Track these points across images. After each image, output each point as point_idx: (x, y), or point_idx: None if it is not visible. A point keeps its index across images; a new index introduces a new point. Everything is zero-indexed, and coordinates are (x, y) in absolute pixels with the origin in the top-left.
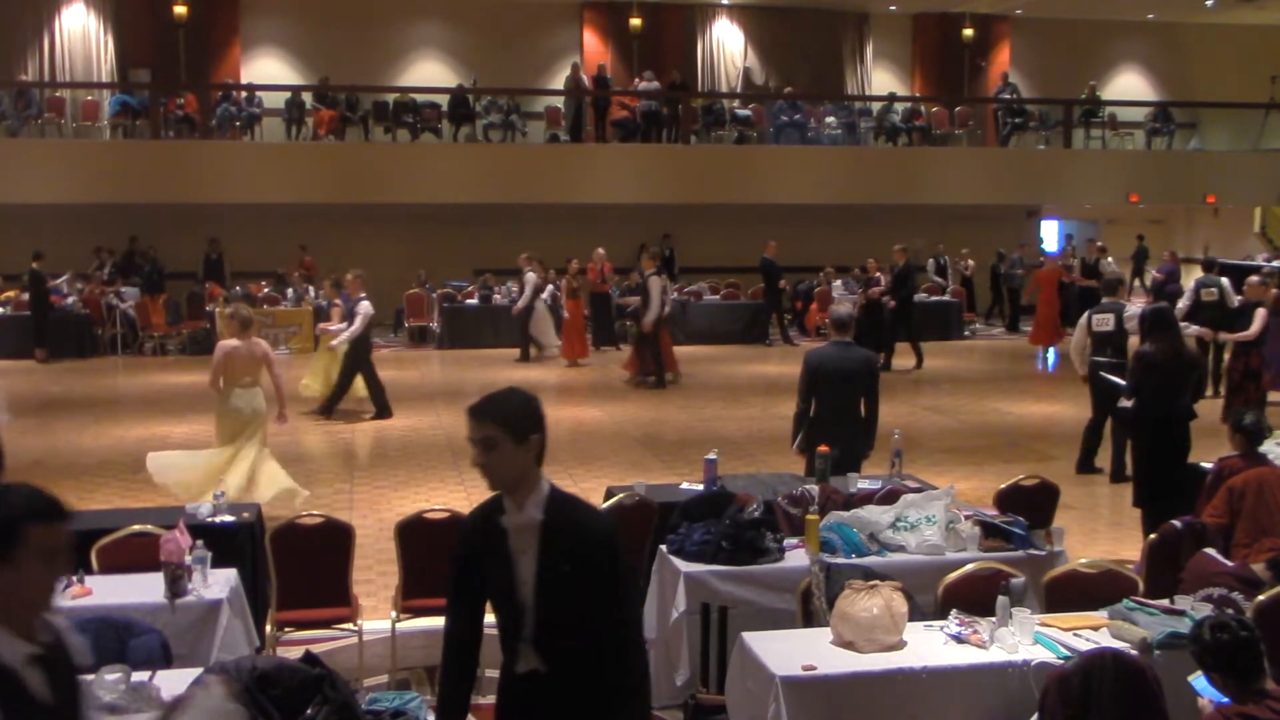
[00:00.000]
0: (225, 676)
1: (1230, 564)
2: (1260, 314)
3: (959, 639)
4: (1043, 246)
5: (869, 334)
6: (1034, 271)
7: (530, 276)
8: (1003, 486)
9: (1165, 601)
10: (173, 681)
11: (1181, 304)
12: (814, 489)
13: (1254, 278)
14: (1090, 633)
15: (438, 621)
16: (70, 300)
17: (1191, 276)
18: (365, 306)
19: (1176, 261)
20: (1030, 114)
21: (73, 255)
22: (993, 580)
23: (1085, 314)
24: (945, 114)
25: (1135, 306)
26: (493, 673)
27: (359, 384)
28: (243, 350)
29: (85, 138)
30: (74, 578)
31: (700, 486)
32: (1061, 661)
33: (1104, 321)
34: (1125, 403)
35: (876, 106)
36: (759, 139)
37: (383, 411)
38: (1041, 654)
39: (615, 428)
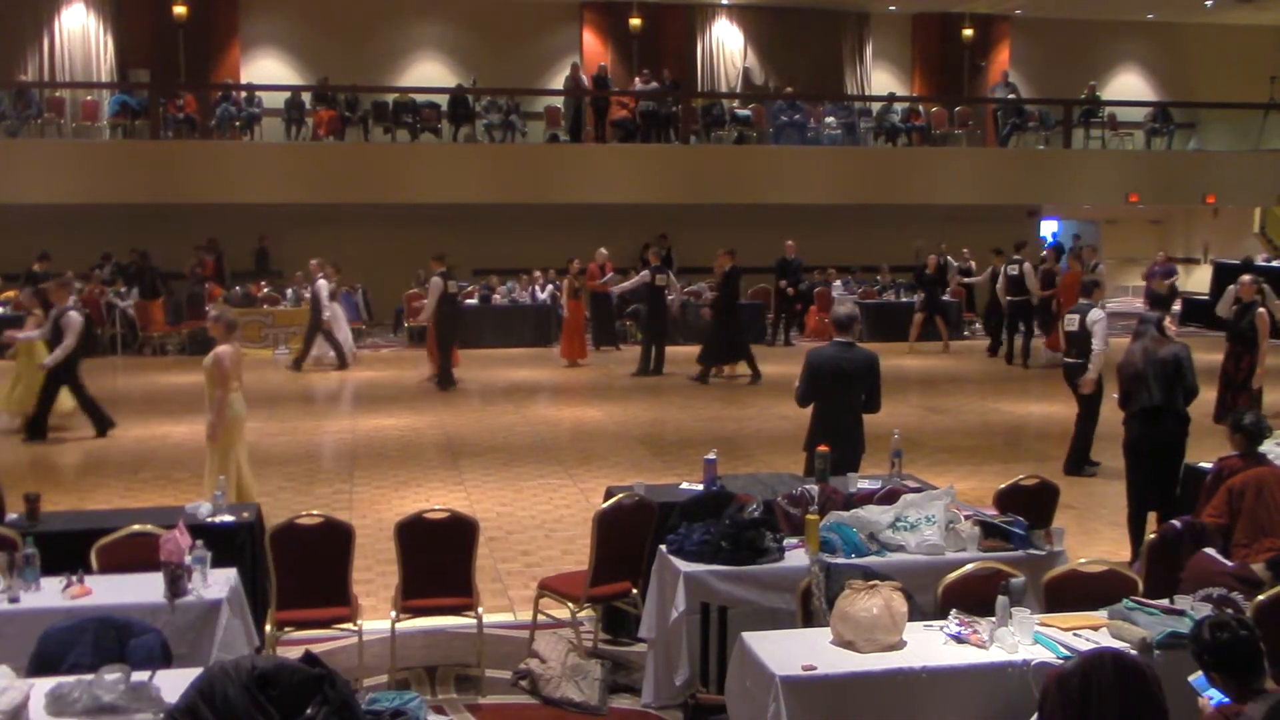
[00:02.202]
0: None
1: (1230, 564)
2: (1263, 314)
3: (959, 639)
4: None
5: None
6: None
7: (321, 284)
8: (1003, 486)
9: (1165, 601)
10: (173, 681)
11: (1222, 310)
12: (814, 489)
13: (1245, 277)
14: (1090, 633)
15: (438, 622)
16: (70, 300)
17: (1193, 277)
18: (73, 318)
19: (1169, 263)
20: (1030, 114)
21: (73, 255)
22: (992, 580)
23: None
24: (945, 114)
25: (1099, 310)
26: (493, 672)
27: (65, 399)
28: (235, 354)
29: (85, 138)
30: (74, 577)
31: (700, 486)
32: (1061, 661)
33: (1071, 322)
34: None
35: (876, 106)
36: (759, 139)
37: (102, 426)
38: (1041, 654)
39: (615, 428)
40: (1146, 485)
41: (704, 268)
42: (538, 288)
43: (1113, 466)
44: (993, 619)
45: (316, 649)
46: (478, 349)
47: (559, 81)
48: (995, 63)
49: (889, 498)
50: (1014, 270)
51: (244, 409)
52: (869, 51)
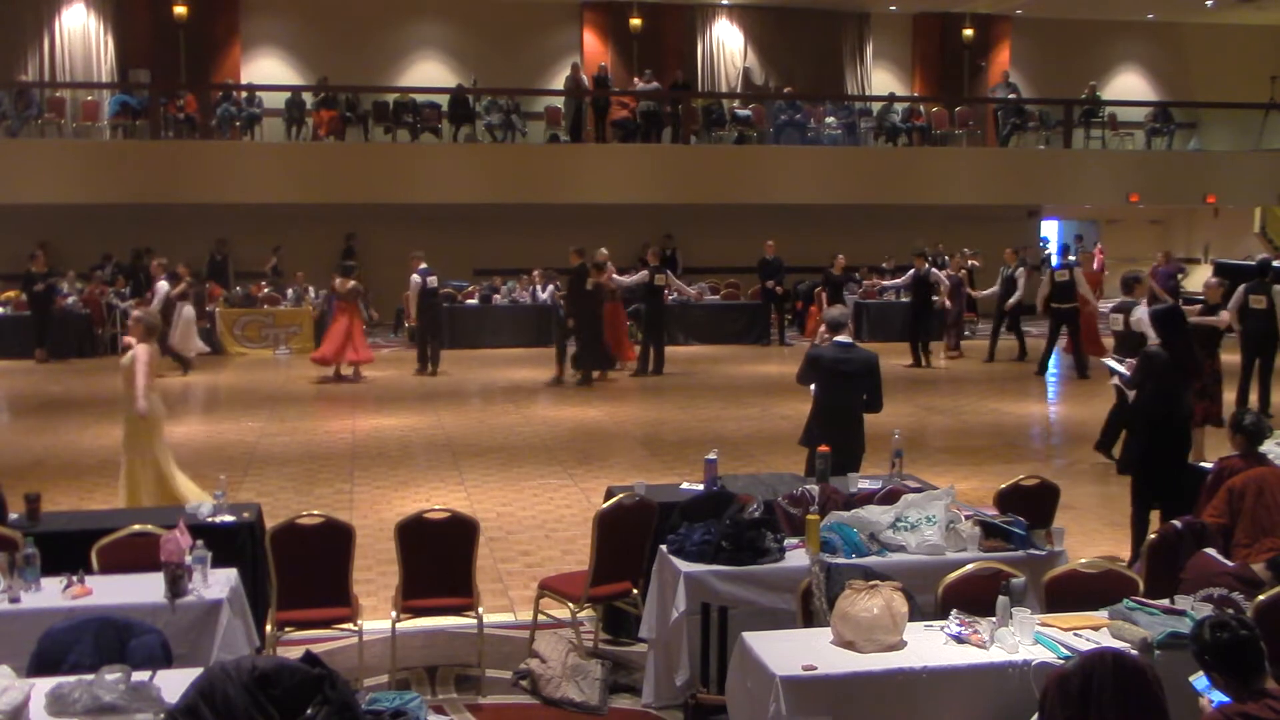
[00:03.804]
0: None
1: (1230, 564)
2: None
3: (959, 639)
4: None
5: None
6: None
7: (161, 285)
8: (1003, 486)
9: (1165, 601)
10: (173, 681)
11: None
12: (814, 489)
13: (1212, 279)
14: (1090, 633)
15: (438, 622)
16: (71, 300)
17: (1194, 278)
18: None
19: (1173, 263)
20: (1030, 114)
21: (73, 256)
22: (993, 580)
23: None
24: (945, 114)
25: (1143, 307)
26: (494, 672)
27: None
28: (154, 354)
29: (85, 138)
30: (74, 577)
31: (700, 486)
32: (1062, 661)
33: (1116, 321)
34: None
35: (876, 106)
36: (759, 139)
37: None
38: (1042, 654)
39: (615, 428)
40: (1153, 484)
41: (704, 268)
42: (538, 288)
43: (1112, 466)
44: (993, 619)
45: (317, 649)
46: (477, 349)
47: (559, 81)
48: (995, 63)
49: (889, 498)
50: (1063, 276)
51: (163, 410)
52: (869, 51)
